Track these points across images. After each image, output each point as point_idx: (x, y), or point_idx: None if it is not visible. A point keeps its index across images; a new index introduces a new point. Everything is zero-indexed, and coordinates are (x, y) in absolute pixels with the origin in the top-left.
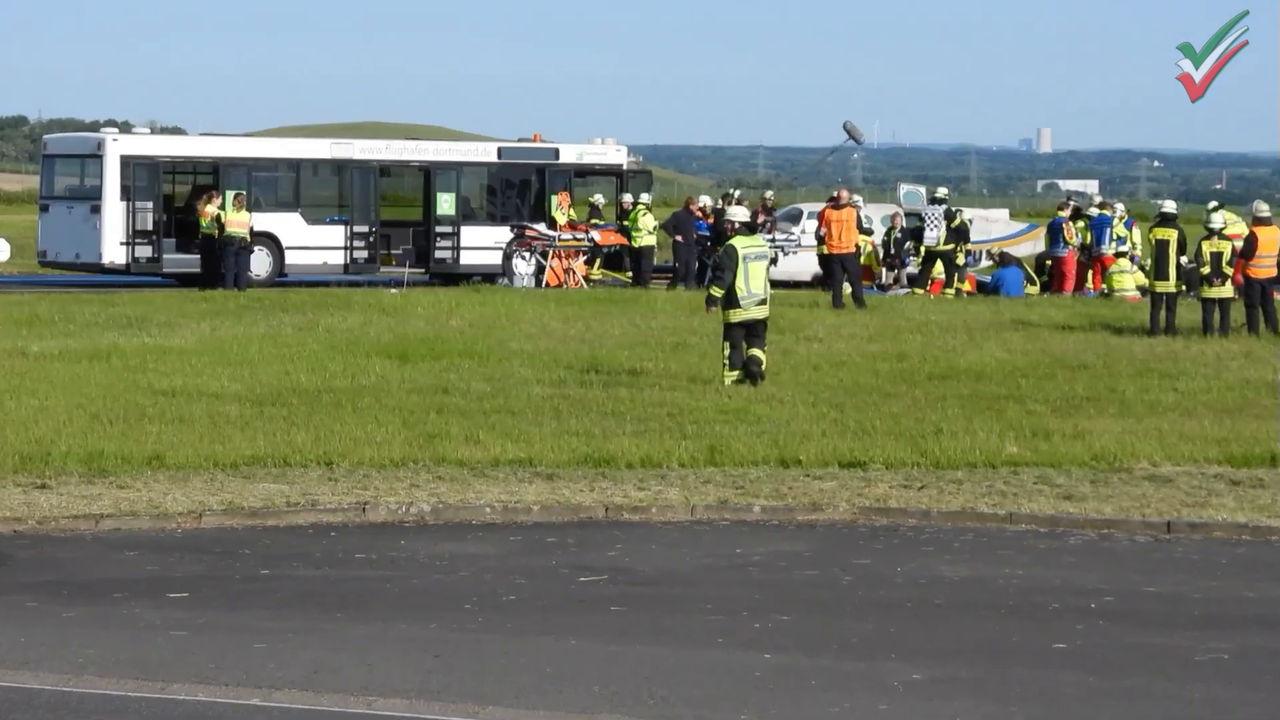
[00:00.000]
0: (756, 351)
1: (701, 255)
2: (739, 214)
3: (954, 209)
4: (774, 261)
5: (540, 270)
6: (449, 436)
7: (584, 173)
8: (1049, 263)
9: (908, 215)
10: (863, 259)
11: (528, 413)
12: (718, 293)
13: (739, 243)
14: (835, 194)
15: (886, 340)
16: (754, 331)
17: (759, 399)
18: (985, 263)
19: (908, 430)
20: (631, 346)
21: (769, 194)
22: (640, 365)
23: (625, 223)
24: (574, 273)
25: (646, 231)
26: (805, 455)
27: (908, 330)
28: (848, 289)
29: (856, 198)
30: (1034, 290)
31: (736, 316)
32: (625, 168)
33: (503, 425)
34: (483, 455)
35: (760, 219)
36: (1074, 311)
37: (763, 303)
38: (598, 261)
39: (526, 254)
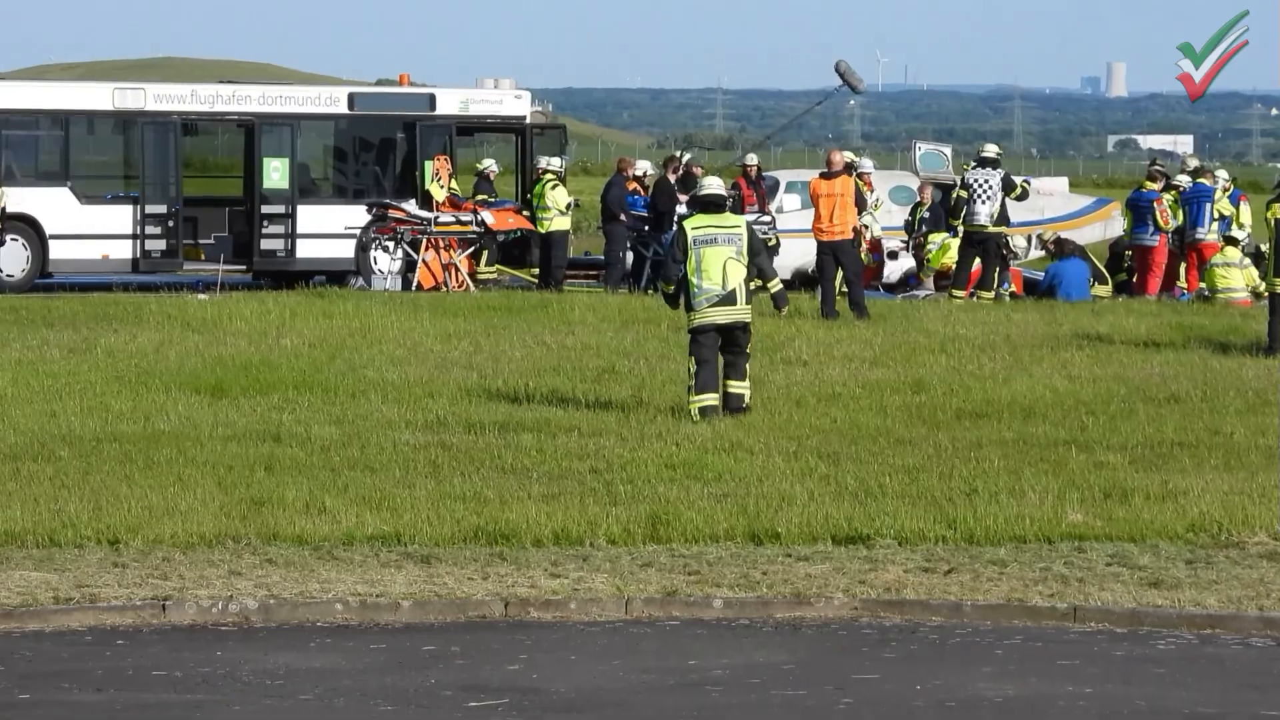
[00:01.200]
0: (733, 385)
1: (636, 244)
2: (712, 186)
3: (1011, 174)
4: (773, 247)
5: (410, 267)
6: (282, 503)
7: (471, 128)
8: (1129, 254)
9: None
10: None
11: (394, 469)
12: (667, 290)
13: (689, 223)
14: (829, 158)
15: (898, 364)
16: (730, 345)
17: (720, 446)
18: (1036, 253)
19: (928, 491)
20: (539, 374)
21: (750, 159)
22: (552, 401)
23: (530, 198)
24: (457, 270)
25: (558, 211)
26: (786, 526)
27: (927, 349)
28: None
29: (865, 161)
30: (1105, 292)
31: (695, 320)
32: (529, 121)
33: (358, 487)
34: (331, 529)
35: (745, 197)
36: (1160, 321)
37: (731, 302)
38: (486, 255)
39: (390, 244)
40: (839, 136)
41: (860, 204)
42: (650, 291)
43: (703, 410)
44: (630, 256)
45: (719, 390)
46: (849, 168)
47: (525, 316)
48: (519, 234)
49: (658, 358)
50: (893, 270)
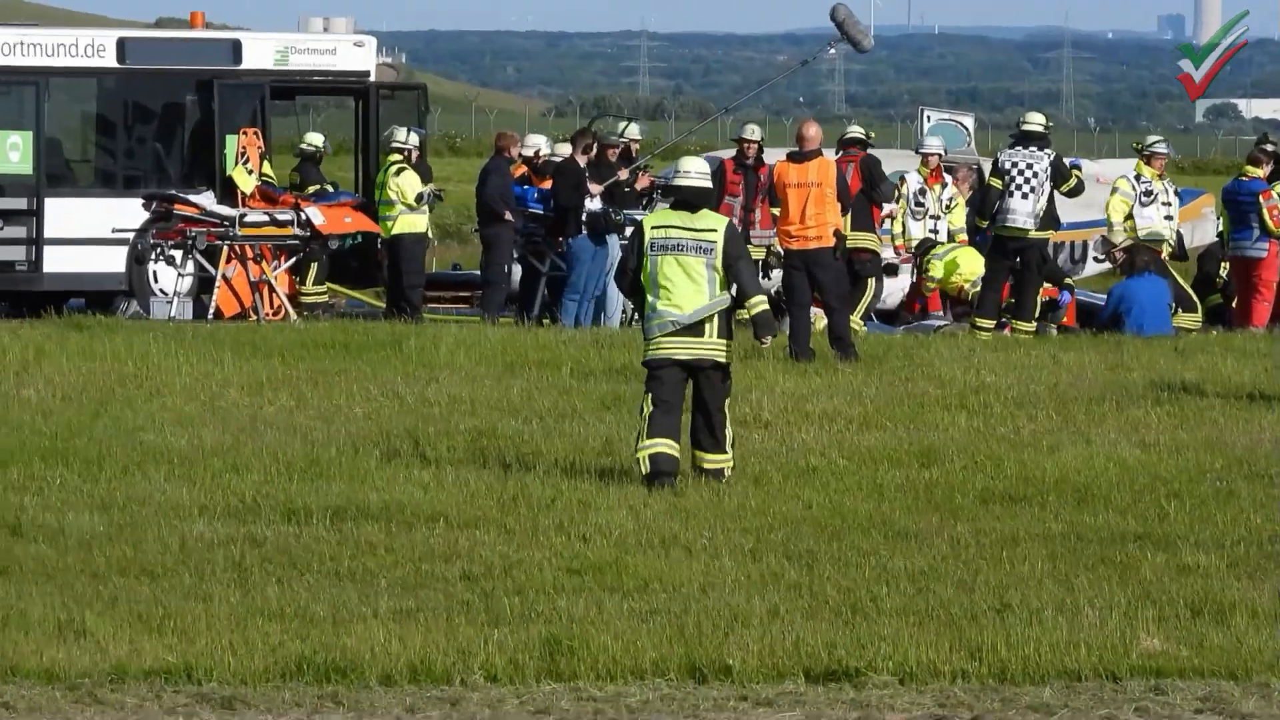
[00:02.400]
0: (707, 459)
1: (526, 254)
2: (691, 173)
3: (1064, 156)
4: (766, 268)
5: (206, 286)
6: (24, 623)
7: (293, 89)
8: (1226, 268)
9: (947, 170)
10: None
11: (182, 574)
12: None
13: (650, 220)
14: (801, 132)
15: (899, 425)
16: (700, 396)
17: (646, 541)
18: (1095, 267)
19: (942, 606)
20: (389, 440)
21: (751, 131)
22: (408, 477)
23: (375, 188)
24: (272, 290)
25: (406, 206)
26: (740, 657)
27: (941, 404)
28: (821, 322)
29: (932, 141)
30: (1192, 322)
31: (649, 352)
32: (374, 80)
33: (133, 599)
34: (93, 660)
35: (728, 185)
36: (1271, 365)
37: (696, 333)
38: (314, 269)
39: (177, 254)
40: (813, 101)
41: (879, 197)
42: (545, 322)
43: (654, 462)
44: (518, 272)
45: (677, 441)
46: (858, 143)
47: (369, 357)
48: (359, 239)
49: (557, 416)
50: (891, 291)
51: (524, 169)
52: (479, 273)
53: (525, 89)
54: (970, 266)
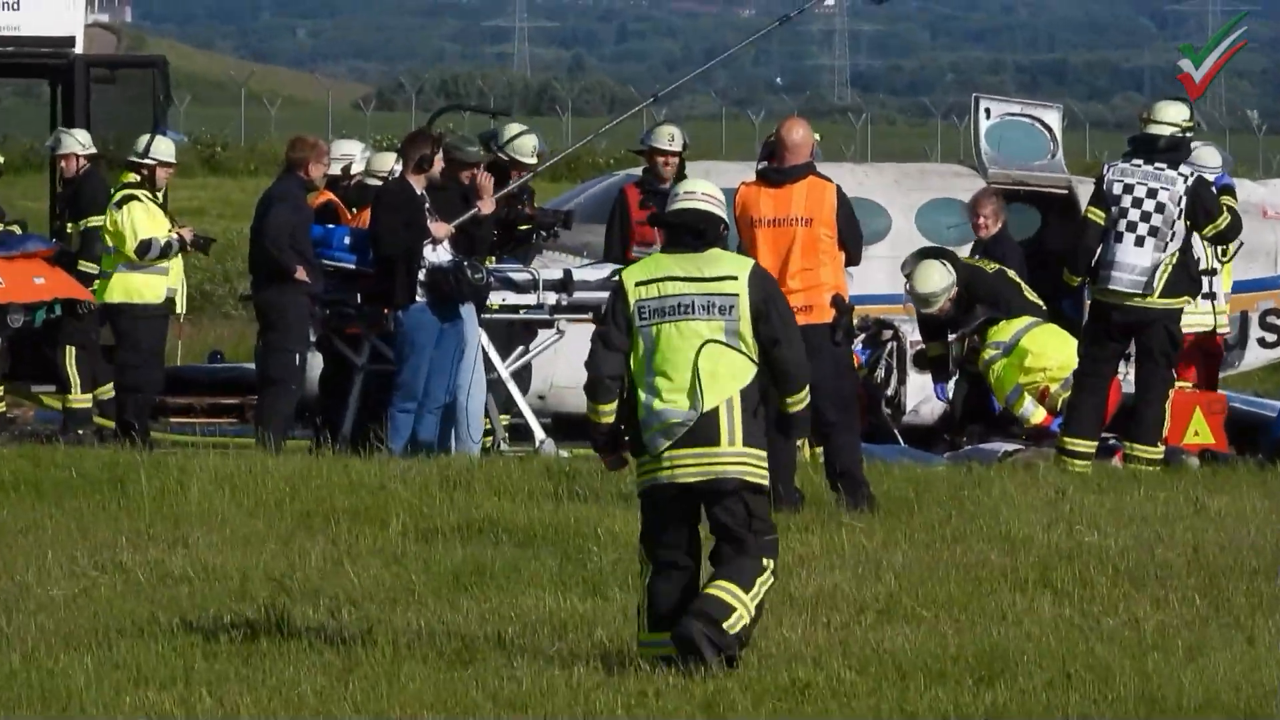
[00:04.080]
0: (721, 589)
1: (328, 335)
2: (693, 195)
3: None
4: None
5: None
6: None
7: None
8: None
9: (1010, 196)
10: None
11: None
12: (603, 412)
13: (635, 274)
14: (783, 135)
15: (941, 614)
16: (720, 528)
17: None
18: (1258, 355)
19: None
20: (107, 640)
21: (666, 138)
22: (133, 704)
23: (85, 227)
24: None
25: (129, 259)
26: None
27: (1008, 579)
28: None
29: (1208, 151)
30: None
31: (646, 474)
32: (79, 52)
33: None
34: None
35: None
36: None
37: (711, 439)
38: None
39: None
40: (800, 83)
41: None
42: (365, 449)
43: (668, 663)
44: (316, 364)
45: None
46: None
47: (75, 505)
48: (56, 311)
49: (382, 601)
50: (926, 395)
51: (328, 196)
52: (254, 366)
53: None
54: (1054, 355)
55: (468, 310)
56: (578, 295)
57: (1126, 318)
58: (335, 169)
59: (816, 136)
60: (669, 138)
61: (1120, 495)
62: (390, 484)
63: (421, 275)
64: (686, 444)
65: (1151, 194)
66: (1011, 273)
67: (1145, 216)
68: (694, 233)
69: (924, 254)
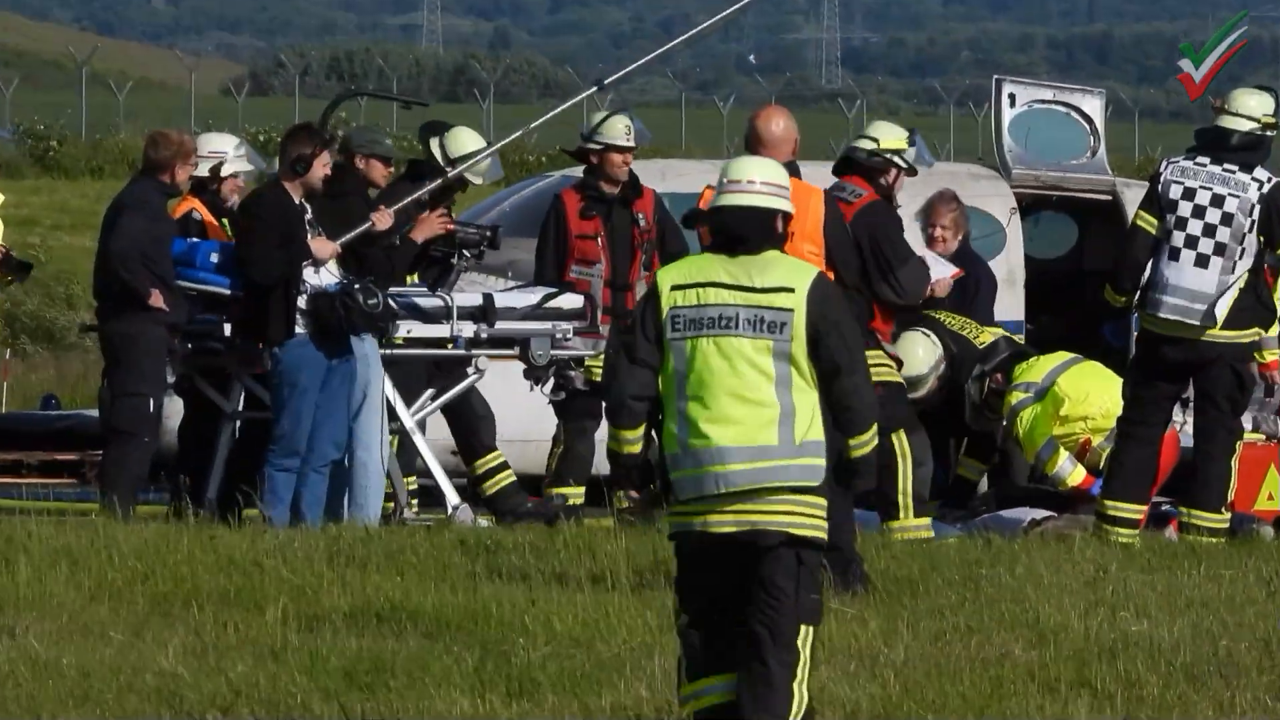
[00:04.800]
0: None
1: (195, 372)
2: (748, 173)
3: None
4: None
5: None
6: None
7: None
8: None
9: (1039, 203)
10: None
11: None
12: (628, 439)
13: (669, 276)
14: (758, 126)
15: (950, 717)
16: (760, 600)
17: None
18: None
19: None
20: None
21: (619, 130)
22: None
23: None
24: None
25: None
26: None
27: (1035, 677)
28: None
29: (883, 129)
30: None
31: (676, 520)
32: None
33: None
34: None
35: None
36: None
37: (757, 489)
38: None
39: None
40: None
41: (891, 284)
42: (235, 516)
43: (713, 714)
44: (176, 411)
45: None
46: (870, 168)
47: None
48: None
49: (261, 702)
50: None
51: (193, 205)
52: (98, 413)
53: (189, 38)
54: (1097, 401)
55: (366, 345)
56: (500, 326)
57: (1183, 354)
58: (204, 170)
59: (890, 134)
60: (626, 130)
61: (1175, 574)
62: (267, 560)
63: (302, 303)
64: (730, 496)
65: (1218, 201)
66: (1016, 338)
67: (1209, 230)
68: (744, 233)
69: (902, 322)
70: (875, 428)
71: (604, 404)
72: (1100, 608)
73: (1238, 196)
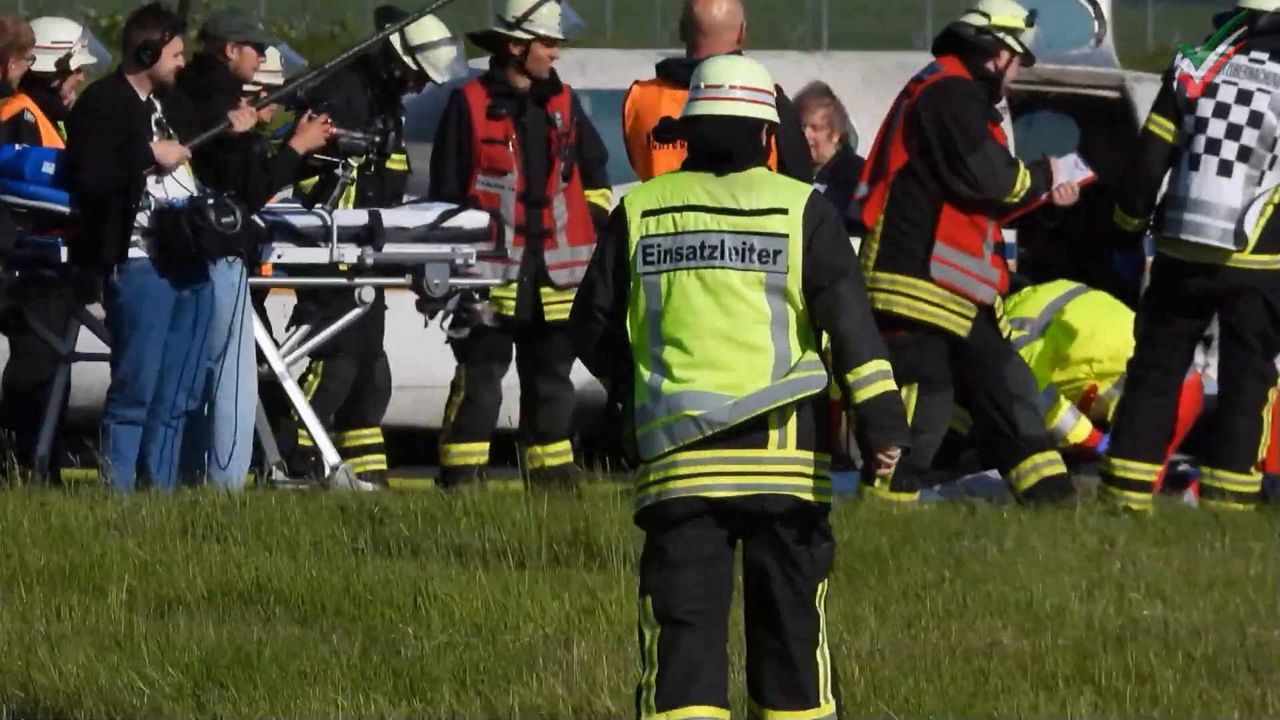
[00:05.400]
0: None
1: (21, 305)
2: (729, 76)
3: None
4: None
5: None
6: None
7: None
8: None
9: (1034, 101)
10: None
11: None
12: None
13: (638, 199)
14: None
15: (927, 717)
16: (765, 580)
17: None
18: None
19: None
20: None
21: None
22: None
23: None
24: None
25: None
26: None
27: (1027, 671)
28: None
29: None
30: None
31: (652, 485)
32: None
33: None
34: None
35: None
36: None
37: (753, 439)
38: None
39: None
40: None
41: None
42: (68, 471)
43: None
44: (0, 354)
45: (724, 703)
46: (972, 46)
47: None
48: None
49: (109, 703)
50: None
51: (25, 104)
52: None
53: None
54: (1106, 339)
55: (230, 273)
56: (390, 249)
57: (1206, 283)
58: (46, 64)
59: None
60: (558, 19)
61: (1195, 547)
62: (108, 531)
63: (146, 221)
64: (723, 444)
65: (1244, 98)
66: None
67: (1233, 131)
68: (727, 147)
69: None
70: (880, 362)
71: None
72: (1105, 588)
73: (1268, 92)
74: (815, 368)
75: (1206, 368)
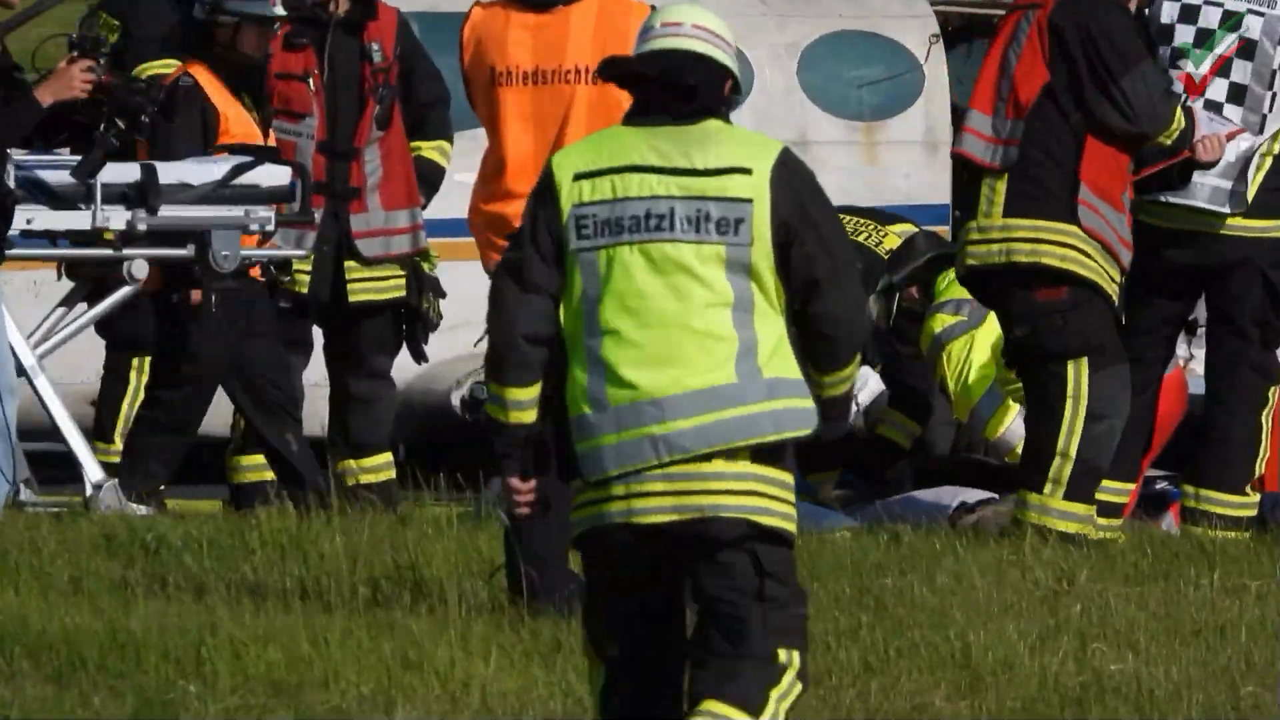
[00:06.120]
0: (714, 709)
1: None
2: (685, 17)
3: None
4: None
5: None
6: None
7: None
8: None
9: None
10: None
11: None
12: (514, 403)
13: (571, 161)
14: None
15: None
16: (711, 605)
17: None
18: None
19: None
20: None
21: None
22: None
23: None
24: None
25: None
26: None
27: None
28: None
29: None
30: None
31: (586, 512)
32: None
33: None
34: None
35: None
36: None
37: (702, 453)
38: None
39: None
40: None
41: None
42: None
43: None
44: None
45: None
46: None
47: None
48: None
49: None
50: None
51: None
52: None
53: None
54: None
55: None
56: (167, 212)
57: (1193, 254)
58: None
59: None
60: None
61: (1177, 585)
62: None
63: None
64: (665, 466)
65: (1232, 23)
66: (939, 233)
67: (1222, 66)
68: (679, 90)
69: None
70: (855, 363)
71: (486, 353)
72: (1063, 636)
73: (1261, 14)
74: (802, 396)
75: (1191, 360)
